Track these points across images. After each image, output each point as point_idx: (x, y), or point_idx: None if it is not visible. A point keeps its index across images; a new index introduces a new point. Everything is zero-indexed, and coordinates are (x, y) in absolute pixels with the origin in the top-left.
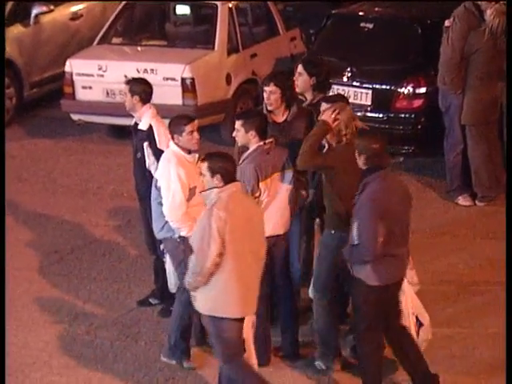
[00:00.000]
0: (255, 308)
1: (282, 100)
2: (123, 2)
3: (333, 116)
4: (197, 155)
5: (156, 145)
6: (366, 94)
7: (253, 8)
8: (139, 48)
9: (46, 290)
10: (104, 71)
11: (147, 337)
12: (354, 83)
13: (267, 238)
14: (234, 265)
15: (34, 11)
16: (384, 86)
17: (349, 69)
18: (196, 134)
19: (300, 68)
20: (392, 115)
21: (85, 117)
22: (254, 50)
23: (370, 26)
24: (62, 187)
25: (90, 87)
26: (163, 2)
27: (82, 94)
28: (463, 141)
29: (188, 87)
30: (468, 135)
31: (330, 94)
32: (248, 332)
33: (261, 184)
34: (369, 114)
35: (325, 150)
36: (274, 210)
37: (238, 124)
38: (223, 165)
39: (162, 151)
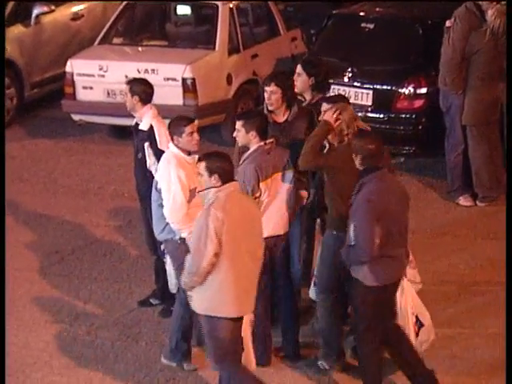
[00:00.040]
0: (252, 307)
1: (283, 100)
2: (124, 2)
3: (334, 116)
4: (196, 156)
5: (157, 145)
6: (367, 94)
7: (253, 8)
8: (140, 48)
9: (46, 290)
10: (105, 71)
11: (148, 337)
12: (355, 83)
13: (267, 238)
14: (231, 264)
15: (35, 11)
16: (385, 87)
17: (349, 69)
18: (196, 135)
19: (299, 68)
20: (393, 116)
21: (86, 117)
22: (255, 50)
23: (371, 26)
24: (63, 187)
25: (91, 87)
26: (164, 2)
27: (82, 95)
28: (464, 141)
29: (189, 87)
30: (469, 136)
31: (331, 94)
32: (246, 331)
33: (261, 184)
34: (369, 115)
35: (326, 149)
36: (275, 211)
37: (238, 124)
38: (221, 164)
39: (163, 151)
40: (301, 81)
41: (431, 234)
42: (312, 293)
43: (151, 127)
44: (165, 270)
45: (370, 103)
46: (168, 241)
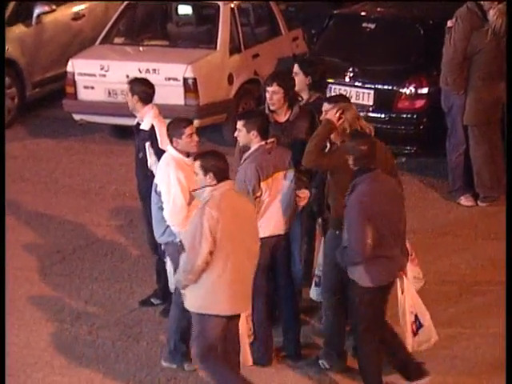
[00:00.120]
0: (247, 306)
1: (285, 100)
2: (125, 2)
3: (337, 115)
4: None
5: (158, 145)
6: (368, 94)
7: (255, 8)
8: (141, 48)
9: (47, 290)
10: (106, 71)
11: (149, 337)
12: (356, 83)
13: (268, 237)
14: (225, 263)
15: (36, 11)
16: (386, 87)
17: (351, 69)
18: (195, 137)
19: (296, 67)
20: (394, 115)
21: (87, 117)
22: (256, 50)
23: (372, 26)
24: (64, 187)
25: (92, 87)
26: (165, 2)
27: (84, 94)
28: (466, 141)
29: (190, 87)
30: (470, 135)
31: (332, 94)
32: (243, 329)
33: (262, 184)
34: (371, 115)
35: (327, 149)
36: (275, 210)
37: (239, 124)
38: (216, 163)
39: (164, 151)
40: (298, 80)
41: (432, 233)
42: (313, 293)
43: (152, 127)
44: (166, 270)
45: (371, 103)
46: (169, 243)
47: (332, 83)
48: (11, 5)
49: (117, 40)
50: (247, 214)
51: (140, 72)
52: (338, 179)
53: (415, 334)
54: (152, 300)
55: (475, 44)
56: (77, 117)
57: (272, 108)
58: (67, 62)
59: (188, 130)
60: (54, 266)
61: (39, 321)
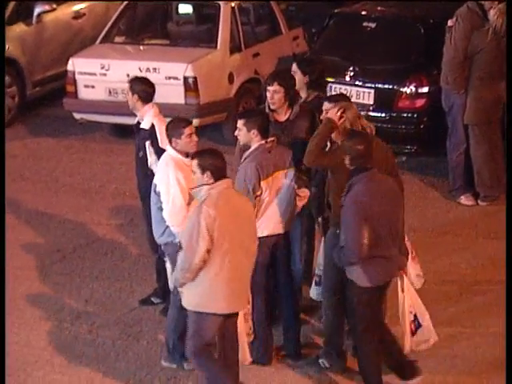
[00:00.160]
0: (245, 304)
1: (286, 99)
2: (126, 1)
3: (338, 114)
4: None
5: (158, 143)
6: (369, 93)
7: (255, 7)
8: (142, 47)
9: (48, 288)
10: (106, 70)
11: (149, 336)
12: (357, 82)
13: (268, 237)
14: (223, 261)
15: (37, 10)
16: (386, 86)
17: (351, 68)
18: (194, 137)
19: (294, 66)
20: (394, 115)
21: (87, 116)
22: (257, 49)
23: (373, 25)
24: (65, 186)
25: (93, 86)
26: (166, 1)
27: (84, 93)
28: (466, 140)
29: (190, 86)
30: (471, 135)
31: (332, 93)
32: (241, 327)
33: (262, 183)
34: (371, 114)
35: (328, 148)
36: (276, 209)
37: (239, 123)
38: (213, 162)
39: (164, 150)
40: (296, 79)
41: (432, 233)
42: (312, 292)
43: (152, 126)
44: (166, 269)
45: (371, 102)
46: (168, 244)
47: (332, 82)
48: (12, 4)
49: (117, 39)
50: (245, 213)
51: (140, 71)
52: (339, 178)
53: (413, 333)
54: (152, 299)
55: (476, 43)
56: (77, 116)
57: (272, 107)
58: (68, 60)
59: (187, 130)
60: (54, 265)
61: (39, 320)
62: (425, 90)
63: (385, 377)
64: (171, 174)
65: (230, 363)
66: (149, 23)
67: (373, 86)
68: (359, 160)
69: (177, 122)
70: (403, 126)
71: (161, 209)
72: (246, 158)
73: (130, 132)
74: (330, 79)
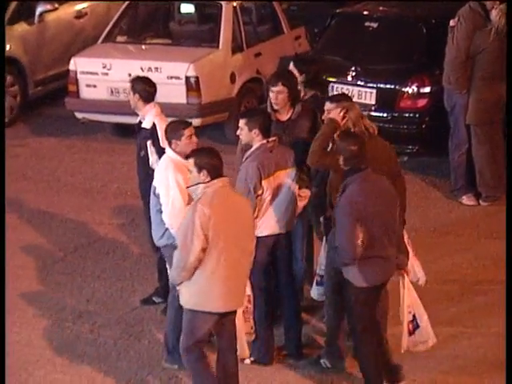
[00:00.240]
0: (242, 302)
1: (289, 99)
2: (127, 1)
3: (341, 114)
4: None
5: (159, 143)
6: (371, 93)
7: (257, 7)
8: (143, 46)
9: (49, 288)
10: (108, 69)
11: (150, 335)
12: (359, 82)
13: (269, 236)
14: (218, 259)
15: (39, 9)
16: (388, 86)
17: (353, 68)
18: (194, 138)
19: (290, 65)
20: (396, 115)
21: (89, 115)
22: (259, 48)
23: (375, 25)
24: (66, 185)
25: (95, 85)
26: (168, 1)
27: (86, 93)
28: (468, 140)
29: (192, 86)
30: (472, 135)
31: (334, 93)
32: (240, 324)
33: (263, 182)
34: (373, 114)
35: (329, 147)
36: (277, 209)
37: (241, 122)
38: (209, 161)
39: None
40: None
41: (434, 233)
42: (313, 292)
43: (154, 125)
44: (167, 269)
45: (373, 102)
46: (167, 246)
47: (334, 82)
48: (14, 3)
49: (119, 38)
50: (242, 212)
51: (142, 70)
52: (341, 178)
53: (411, 333)
54: (153, 298)
55: (478, 44)
56: (79, 115)
57: (276, 107)
58: (69, 60)
59: (187, 132)
60: (55, 265)
61: (41, 319)
62: (427, 90)
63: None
64: (171, 176)
65: (227, 363)
66: (151, 23)
67: (375, 85)
68: (353, 160)
69: (176, 124)
70: (405, 126)
71: (160, 211)
72: (247, 158)
73: (132, 131)
74: (331, 79)
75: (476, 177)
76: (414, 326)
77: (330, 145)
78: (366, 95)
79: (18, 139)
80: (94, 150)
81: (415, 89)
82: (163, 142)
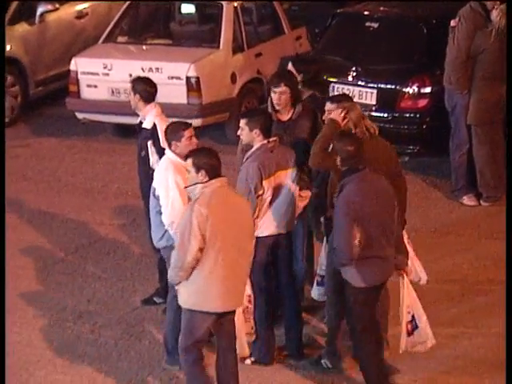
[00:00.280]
0: (240, 302)
1: (291, 99)
2: (128, 1)
3: (342, 115)
4: None
5: (160, 143)
6: (371, 93)
7: (258, 7)
8: (144, 47)
9: (50, 288)
10: (109, 70)
11: (151, 336)
12: (359, 82)
13: (269, 236)
14: (216, 259)
15: (40, 10)
16: (389, 86)
17: (354, 68)
18: (194, 139)
19: (289, 65)
20: (397, 115)
21: (90, 115)
22: (259, 49)
23: (375, 25)
24: (67, 186)
25: (95, 86)
26: (168, 1)
27: (87, 93)
28: (469, 141)
29: (193, 86)
30: (473, 135)
31: (335, 93)
32: (240, 323)
33: (264, 182)
34: (374, 114)
35: (330, 148)
36: (277, 209)
37: (242, 122)
38: (208, 161)
39: None
40: None
41: (435, 233)
42: (314, 292)
43: (154, 126)
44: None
45: (374, 102)
46: (167, 248)
47: (335, 82)
48: (14, 3)
49: (120, 39)
50: (241, 212)
51: (143, 71)
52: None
53: (410, 334)
54: (154, 299)
55: (479, 44)
56: (80, 115)
57: (278, 108)
58: (70, 60)
59: (187, 133)
60: (56, 265)
61: (41, 319)
62: (427, 90)
63: (391, 376)
64: (170, 178)
65: (227, 363)
66: (151, 23)
67: (375, 86)
68: (350, 161)
69: (176, 125)
70: (406, 127)
71: (160, 213)
72: (248, 158)
73: (133, 132)
74: (332, 79)
75: (477, 177)
76: (413, 326)
77: (332, 145)
78: (366, 95)
79: (18, 139)
80: (95, 151)
81: (416, 89)
82: (164, 143)
